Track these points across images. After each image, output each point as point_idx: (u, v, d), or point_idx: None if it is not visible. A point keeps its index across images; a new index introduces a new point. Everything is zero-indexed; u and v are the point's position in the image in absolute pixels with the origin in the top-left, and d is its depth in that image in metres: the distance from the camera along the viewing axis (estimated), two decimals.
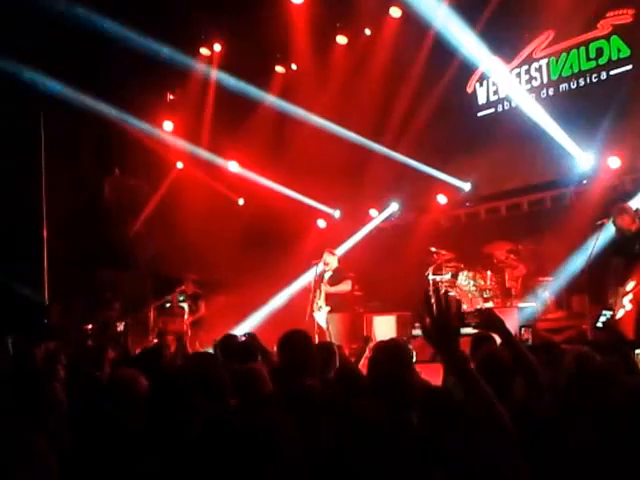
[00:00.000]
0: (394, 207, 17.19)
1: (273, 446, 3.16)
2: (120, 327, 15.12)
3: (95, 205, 17.91)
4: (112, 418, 4.56)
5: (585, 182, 14.01)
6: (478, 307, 12.89)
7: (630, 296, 9.80)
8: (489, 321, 5.07)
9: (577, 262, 11.60)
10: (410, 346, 8.98)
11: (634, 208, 10.54)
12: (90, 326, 15.29)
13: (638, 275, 9.83)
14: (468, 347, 6.13)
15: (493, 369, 4.54)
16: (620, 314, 9.85)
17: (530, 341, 9.81)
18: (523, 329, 10.12)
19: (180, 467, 3.57)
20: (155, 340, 14.46)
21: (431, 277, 14.39)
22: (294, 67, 18.02)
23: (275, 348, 6.21)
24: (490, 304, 13.51)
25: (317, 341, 11.91)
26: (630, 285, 9.84)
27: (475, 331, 5.83)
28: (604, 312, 7.95)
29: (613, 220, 10.26)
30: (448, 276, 14.37)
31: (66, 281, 16.43)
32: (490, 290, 13.84)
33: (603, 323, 7.45)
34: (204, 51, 17.80)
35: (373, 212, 17.35)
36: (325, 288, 13.25)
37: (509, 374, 4.48)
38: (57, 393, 4.94)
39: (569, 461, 3.34)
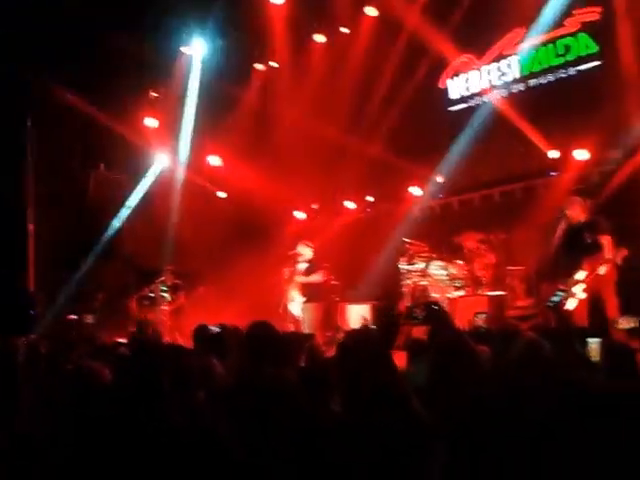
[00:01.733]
0: (369, 199, 17.23)
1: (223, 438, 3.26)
2: (89, 319, 15.11)
3: (80, 198, 17.65)
4: (76, 410, 4.41)
5: (554, 174, 13.94)
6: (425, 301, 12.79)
7: (583, 285, 9.70)
8: (434, 314, 5.04)
9: (543, 252, 11.45)
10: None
11: (584, 200, 10.46)
12: (73, 317, 15.09)
13: (589, 265, 9.74)
14: None
15: (447, 362, 4.47)
16: (573, 304, 9.74)
17: (484, 328, 9.68)
18: (477, 316, 9.97)
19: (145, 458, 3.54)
20: (134, 330, 14.24)
21: (404, 267, 14.29)
22: (273, 65, 17.87)
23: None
24: (461, 293, 13.40)
25: (292, 331, 11.89)
26: (582, 274, 9.74)
27: None
28: (557, 292, 7.85)
29: (564, 211, 10.25)
30: (421, 266, 14.16)
31: (51, 273, 16.13)
32: (461, 279, 13.63)
33: (554, 303, 7.35)
34: (185, 49, 17.57)
35: (348, 204, 17.37)
36: (299, 279, 13.22)
37: (461, 366, 4.38)
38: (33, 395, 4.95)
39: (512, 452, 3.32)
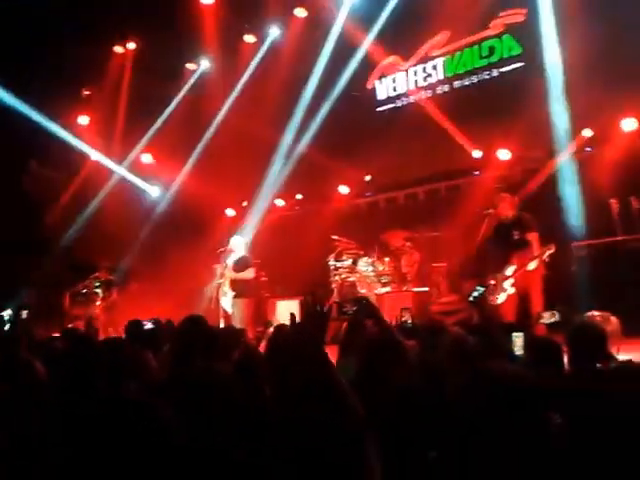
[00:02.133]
0: (299, 197, 17.29)
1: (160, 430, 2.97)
2: (24, 315, 14.90)
3: (12, 195, 17.26)
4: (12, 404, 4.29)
5: (477, 173, 14.13)
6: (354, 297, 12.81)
7: (512, 280, 9.79)
8: (364, 309, 5.07)
9: (468, 249, 11.51)
10: None
11: (511, 197, 10.54)
12: (7, 312, 15.00)
13: (517, 260, 9.82)
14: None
15: (375, 356, 4.54)
16: (502, 298, 9.84)
17: (410, 322, 9.78)
18: (403, 311, 10.05)
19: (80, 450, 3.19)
20: (67, 325, 14.09)
21: (332, 263, 14.41)
22: (205, 64, 17.85)
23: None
24: (388, 289, 13.48)
25: (223, 326, 12.02)
26: (510, 270, 9.82)
27: None
28: (477, 288, 7.96)
29: (493, 208, 10.30)
30: (348, 262, 14.31)
31: None
32: (388, 275, 13.72)
33: (475, 297, 7.46)
34: (118, 49, 17.64)
35: (279, 201, 17.39)
36: (229, 274, 13.08)
37: (389, 360, 4.47)
38: None
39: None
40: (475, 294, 7.89)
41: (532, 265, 9.67)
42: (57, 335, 9.48)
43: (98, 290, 15.55)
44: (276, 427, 3.37)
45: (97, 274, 15.62)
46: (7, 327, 14.20)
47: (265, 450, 3.17)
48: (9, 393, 4.45)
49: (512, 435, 2.78)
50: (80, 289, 15.68)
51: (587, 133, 12.31)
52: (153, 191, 18.74)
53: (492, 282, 10.02)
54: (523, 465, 2.76)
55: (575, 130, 12.33)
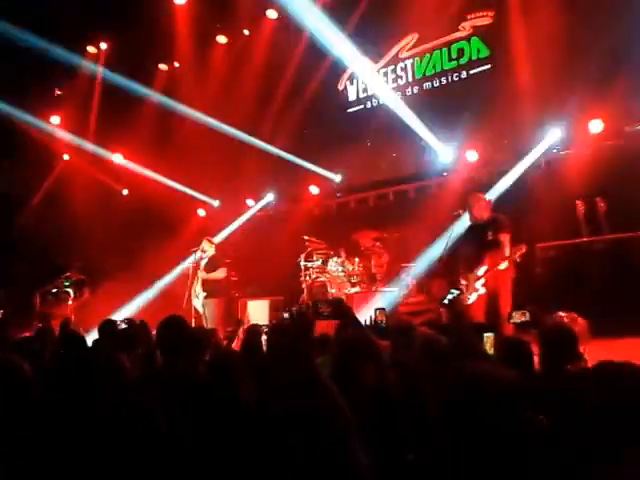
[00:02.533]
0: (270, 197, 17.22)
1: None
2: None
3: None
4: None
5: (446, 174, 14.08)
6: (330, 298, 12.86)
7: (483, 280, 9.69)
8: (339, 310, 5.10)
9: (437, 249, 11.43)
10: None
11: (487, 198, 10.46)
12: None
13: (489, 261, 9.72)
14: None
15: (349, 356, 4.48)
16: (473, 298, 9.76)
17: (384, 323, 9.70)
18: (378, 312, 9.97)
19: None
20: (39, 325, 13.94)
21: (303, 263, 14.34)
22: (177, 65, 17.81)
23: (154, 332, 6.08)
24: (357, 289, 13.45)
25: (194, 326, 11.85)
26: (482, 270, 9.73)
27: None
28: (452, 291, 7.96)
29: (468, 208, 10.15)
30: (319, 262, 14.27)
31: None
32: (357, 276, 13.71)
33: (449, 300, 7.45)
34: (91, 49, 17.51)
35: (250, 202, 17.34)
36: (201, 275, 13.07)
37: (362, 360, 4.39)
38: None
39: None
40: (449, 297, 7.87)
41: (503, 265, 9.58)
42: (30, 335, 9.33)
43: (69, 289, 15.44)
44: (259, 425, 3.37)
45: (68, 273, 15.53)
46: None
47: (247, 449, 3.22)
48: None
49: (492, 435, 2.77)
50: (50, 288, 15.55)
51: (554, 135, 12.31)
52: (124, 191, 18.76)
53: (464, 282, 9.95)
54: (503, 465, 2.76)
55: (542, 132, 12.35)
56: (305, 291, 14.15)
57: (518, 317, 8.95)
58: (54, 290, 15.54)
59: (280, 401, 3.53)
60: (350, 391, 3.75)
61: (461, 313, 9.65)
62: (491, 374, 2.96)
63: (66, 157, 18.46)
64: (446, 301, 9.20)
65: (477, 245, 9.93)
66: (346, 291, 13.43)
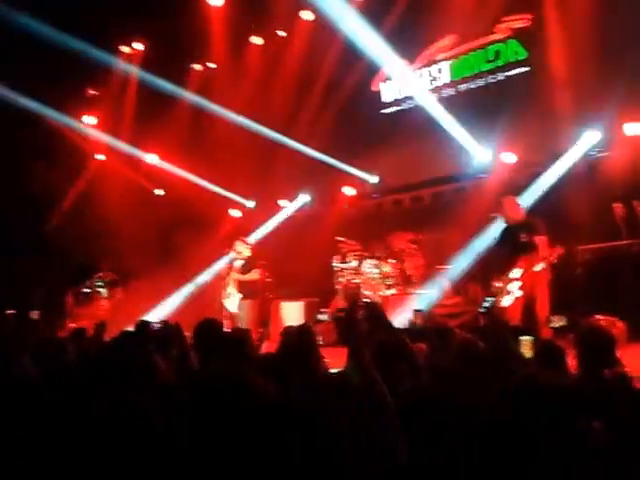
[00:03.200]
0: (305, 198, 17.29)
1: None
2: (34, 315, 14.80)
3: (17, 195, 17.48)
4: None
5: (482, 176, 14.08)
6: (366, 301, 12.75)
7: (519, 283, 9.73)
8: (372, 313, 5.13)
9: (472, 251, 11.71)
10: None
11: (519, 201, 10.56)
12: (10, 312, 14.57)
13: (524, 263, 9.77)
14: None
15: (385, 356, 4.47)
16: (508, 301, 9.78)
17: (421, 325, 9.75)
18: (415, 313, 10.01)
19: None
20: (72, 325, 14.06)
21: (337, 265, 14.46)
22: (211, 65, 17.93)
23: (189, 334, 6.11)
24: (393, 291, 13.53)
25: (226, 327, 11.90)
26: (517, 272, 9.78)
27: None
28: (487, 299, 8.02)
29: (501, 211, 10.28)
30: (353, 264, 14.33)
31: None
32: (392, 277, 13.78)
33: (486, 308, 7.52)
34: (125, 49, 17.66)
35: (284, 202, 17.42)
36: (235, 276, 13.14)
37: (397, 362, 4.46)
38: None
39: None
40: (486, 304, 7.94)
41: (539, 266, 9.60)
42: (66, 336, 9.43)
43: (101, 289, 15.59)
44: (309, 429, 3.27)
45: (101, 273, 15.65)
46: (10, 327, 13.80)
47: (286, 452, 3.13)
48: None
49: (537, 434, 2.84)
50: (83, 288, 15.68)
51: (592, 137, 12.31)
52: (159, 191, 18.83)
53: (497, 285, 9.98)
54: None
55: (580, 134, 12.36)
56: (339, 293, 14.22)
57: (556, 321, 9.01)
58: (86, 290, 15.66)
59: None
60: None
61: (499, 318, 9.68)
62: (554, 382, 3.01)
63: (100, 157, 18.56)
64: (483, 309, 9.24)
65: (511, 247, 10.01)
66: (381, 293, 13.51)
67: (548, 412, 2.88)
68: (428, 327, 9.99)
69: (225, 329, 11.06)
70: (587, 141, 12.36)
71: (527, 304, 9.69)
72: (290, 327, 7.18)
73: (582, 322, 7.85)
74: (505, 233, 10.19)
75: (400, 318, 11.27)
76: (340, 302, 13.95)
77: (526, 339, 6.21)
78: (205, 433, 3.31)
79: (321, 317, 14.09)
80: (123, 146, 17.97)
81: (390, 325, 6.11)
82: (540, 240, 9.75)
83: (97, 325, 11.71)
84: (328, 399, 3.51)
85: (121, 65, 17.63)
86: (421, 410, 3.48)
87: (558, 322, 9.24)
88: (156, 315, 13.36)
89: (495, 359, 4.74)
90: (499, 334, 5.78)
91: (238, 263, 13.30)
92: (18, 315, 14.57)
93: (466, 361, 4.68)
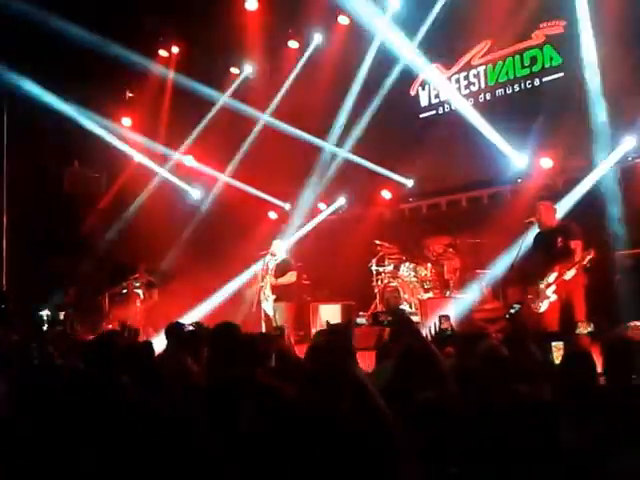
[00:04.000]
0: (342, 201, 17.34)
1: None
2: (61, 315, 15.03)
3: (54, 195, 17.64)
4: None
5: (520, 181, 14.22)
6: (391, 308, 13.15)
7: (553, 287, 9.89)
8: (399, 320, 5.21)
9: (510, 256, 11.47)
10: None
11: (555, 206, 10.70)
12: (46, 312, 14.95)
13: (559, 267, 9.90)
14: None
15: (409, 365, 4.57)
16: (544, 306, 9.94)
17: (450, 330, 9.91)
18: (442, 318, 10.17)
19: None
20: (108, 326, 14.23)
21: (374, 268, 14.57)
22: (248, 69, 18.21)
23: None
24: (430, 294, 13.69)
25: (264, 330, 12.06)
26: (552, 277, 9.92)
27: None
28: (513, 305, 8.16)
29: (536, 216, 10.39)
30: (390, 267, 14.50)
31: (23, 268, 16.14)
32: (430, 281, 13.97)
33: (510, 314, 7.67)
34: (162, 52, 17.94)
35: (322, 205, 17.51)
36: (270, 280, 13.11)
37: (422, 369, 4.48)
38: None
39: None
40: (512, 311, 8.11)
41: (569, 274, 9.77)
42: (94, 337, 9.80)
43: (138, 291, 15.89)
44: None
45: (137, 275, 15.97)
46: (45, 327, 14.13)
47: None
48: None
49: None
50: (120, 290, 16.06)
51: (629, 143, 12.39)
52: (195, 193, 18.98)
53: (535, 290, 10.08)
54: None
55: (617, 139, 12.44)
56: (377, 296, 14.36)
57: (583, 327, 9.14)
58: (123, 291, 16.03)
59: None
60: (408, 401, 3.90)
61: (524, 325, 9.83)
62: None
63: (137, 159, 18.66)
64: (508, 315, 9.38)
65: (547, 252, 10.15)
66: (419, 297, 13.69)
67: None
68: (457, 332, 10.18)
69: (262, 331, 11.37)
70: (623, 147, 12.44)
71: (564, 309, 9.84)
72: (322, 331, 7.25)
73: (609, 330, 8.05)
74: (540, 238, 10.33)
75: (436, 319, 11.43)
76: (377, 306, 14.17)
77: (557, 345, 6.36)
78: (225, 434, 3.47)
79: (359, 320, 14.11)
80: (159, 148, 18.25)
81: (417, 330, 6.20)
82: (576, 245, 9.91)
83: (122, 326, 11.77)
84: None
85: (158, 68, 17.87)
86: (443, 418, 3.57)
87: (585, 328, 8.92)
88: (193, 317, 13.19)
89: (517, 365, 4.80)
90: (520, 341, 5.71)
91: (274, 265, 13.30)
92: (51, 315, 14.89)
93: (489, 366, 4.75)
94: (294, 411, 3.46)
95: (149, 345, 6.68)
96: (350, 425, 3.15)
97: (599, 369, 4.88)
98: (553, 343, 6.43)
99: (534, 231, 10.42)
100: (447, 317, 10.48)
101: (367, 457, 2.91)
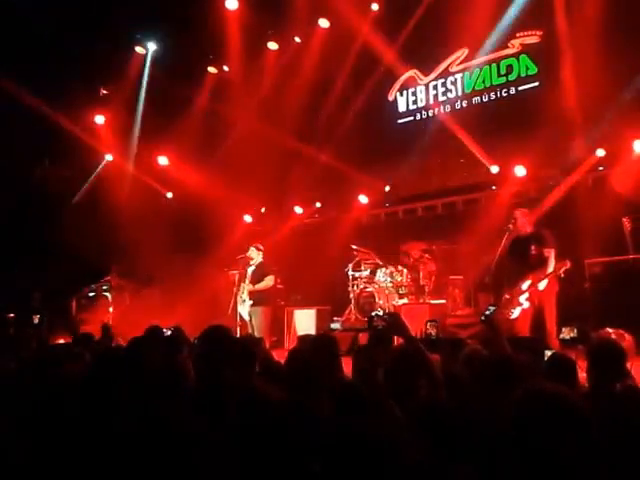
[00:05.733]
0: (318, 205, 17.78)
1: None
2: (36, 320, 14.97)
3: (23, 194, 17.88)
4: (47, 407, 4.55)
5: (494, 188, 14.90)
6: (386, 312, 13.27)
7: (527, 295, 10.51)
8: (395, 324, 5.61)
9: (484, 262, 12.12)
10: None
11: (528, 212, 11.29)
12: (12, 315, 14.94)
13: (532, 276, 10.52)
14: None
15: (402, 369, 4.79)
16: (517, 312, 10.54)
17: (435, 335, 10.37)
18: (429, 324, 10.62)
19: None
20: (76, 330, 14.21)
21: (351, 273, 14.96)
22: (226, 69, 18.46)
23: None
24: (405, 300, 14.09)
25: (239, 334, 12.51)
26: (526, 284, 10.54)
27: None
28: (489, 307, 8.63)
29: (512, 222, 10.97)
30: (367, 272, 14.88)
31: None
32: (405, 287, 14.34)
33: (485, 316, 8.14)
34: (139, 49, 18.11)
35: (298, 209, 17.87)
36: (247, 286, 13.46)
37: (415, 374, 4.71)
38: None
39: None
40: (487, 313, 8.66)
41: (542, 284, 10.43)
42: (67, 342, 10.04)
43: (107, 294, 16.10)
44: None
45: (108, 278, 16.23)
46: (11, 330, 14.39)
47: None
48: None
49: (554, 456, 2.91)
50: (87, 293, 16.24)
51: (600, 152, 13.14)
52: (169, 194, 19.29)
53: (507, 297, 10.68)
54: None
55: (588, 149, 13.21)
56: (353, 301, 14.73)
57: (567, 333, 9.66)
58: (92, 294, 16.17)
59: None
60: (402, 405, 4.01)
61: (499, 328, 10.33)
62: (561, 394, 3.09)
63: (109, 157, 18.87)
64: (483, 317, 9.90)
65: (520, 259, 10.77)
66: (394, 302, 14.05)
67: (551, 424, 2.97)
68: (442, 337, 10.65)
69: (237, 335, 11.72)
70: (595, 156, 13.18)
71: (535, 316, 10.45)
72: (307, 336, 7.59)
73: (592, 335, 8.49)
74: (515, 245, 10.90)
75: (413, 328, 11.85)
76: (353, 311, 14.61)
77: (548, 353, 6.66)
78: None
79: (334, 325, 14.62)
80: (134, 147, 18.57)
81: (411, 336, 6.12)
82: (549, 253, 10.57)
83: (104, 330, 11.98)
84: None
85: (135, 65, 18.12)
86: (436, 422, 3.58)
87: (568, 334, 9.38)
88: (167, 321, 13.28)
89: (498, 368, 4.74)
90: (497, 343, 5.95)
91: (251, 269, 13.62)
92: (19, 319, 14.90)
93: (471, 370, 4.93)
94: (283, 413, 3.77)
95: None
96: (335, 427, 3.23)
97: (582, 374, 5.23)
98: (545, 351, 6.83)
99: (509, 237, 10.94)
100: (434, 322, 10.99)
101: (355, 461, 2.87)
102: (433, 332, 10.06)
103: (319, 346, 5.98)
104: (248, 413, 3.89)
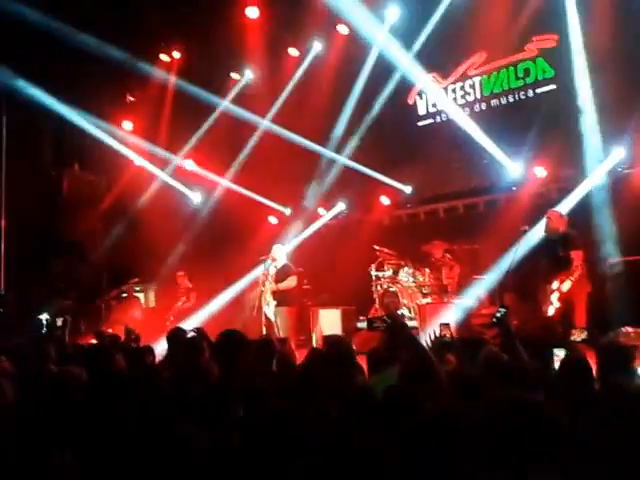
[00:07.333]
0: (341, 206, 17.75)
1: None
2: (59, 322, 14.25)
3: (53, 198, 17.99)
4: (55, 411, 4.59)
5: (515, 189, 14.81)
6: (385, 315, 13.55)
7: (557, 294, 10.56)
8: (394, 327, 5.59)
9: (506, 262, 11.79)
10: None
11: (563, 214, 11.33)
12: (45, 316, 14.29)
13: (562, 275, 10.56)
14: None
15: (409, 376, 4.84)
16: (550, 312, 10.61)
17: (449, 337, 10.41)
18: (442, 326, 10.68)
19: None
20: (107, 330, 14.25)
21: (374, 273, 14.98)
22: (249, 75, 18.65)
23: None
24: (428, 299, 14.09)
25: (265, 334, 12.55)
26: (556, 284, 10.58)
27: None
28: (499, 309, 8.59)
29: (546, 223, 11.06)
30: (390, 272, 14.89)
31: (22, 272, 16.42)
32: (428, 286, 14.35)
33: (496, 318, 8.08)
34: (164, 57, 18.31)
35: (321, 211, 17.89)
36: (271, 285, 13.47)
37: (420, 381, 4.68)
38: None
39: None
40: (498, 315, 8.63)
41: (565, 286, 10.48)
42: (95, 343, 10.01)
43: (139, 295, 16.38)
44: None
45: (137, 279, 16.45)
46: (44, 331, 13.87)
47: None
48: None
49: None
50: (119, 293, 16.40)
51: (618, 153, 13.06)
52: (195, 197, 19.34)
53: (542, 296, 10.82)
54: None
55: (607, 150, 13.11)
56: (376, 301, 14.76)
57: (577, 334, 9.68)
58: (123, 295, 16.35)
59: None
60: (406, 412, 3.94)
61: (511, 330, 10.31)
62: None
63: (137, 162, 18.92)
64: (494, 319, 9.87)
65: (550, 259, 10.88)
66: (418, 302, 14.07)
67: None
68: (457, 339, 10.65)
69: (263, 336, 11.67)
70: (613, 157, 13.09)
71: (564, 316, 10.52)
72: (330, 337, 7.56)
73: (601, 336, 8.43)
74: (544, 244, 11.02)
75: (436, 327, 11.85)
76: (377, 310, 14.59)
77: (559, 351, 6.50)
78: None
79: (360, 325, 14.57)
80: (160, 151, 18.65)
81: (413, 338, 6.31)
82: (576, 255, 10.63)
83: (127, 331, 12.02)
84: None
85: (160, 73, 18.26)
86: (440, 431, 3.45)
87: (579, 336, 9.42)
88: (194, 322, 13.32)
89: (516, 371, 4.94)
90: (510, 344, 5.89)
91: (274, 270, 13.66)
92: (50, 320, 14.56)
93: (490, 374, 4.90)
94: (282, 415, 3.83)
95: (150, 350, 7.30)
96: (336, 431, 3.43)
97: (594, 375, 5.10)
98: (554, 349, 6.60)
99: (529, 239, 10.94)
100: (447, 325, 11.01)
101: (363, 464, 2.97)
102: (447, 334, 10.08)
103: (331, 346, 6.08)
104: (248, 414, 4.02)
